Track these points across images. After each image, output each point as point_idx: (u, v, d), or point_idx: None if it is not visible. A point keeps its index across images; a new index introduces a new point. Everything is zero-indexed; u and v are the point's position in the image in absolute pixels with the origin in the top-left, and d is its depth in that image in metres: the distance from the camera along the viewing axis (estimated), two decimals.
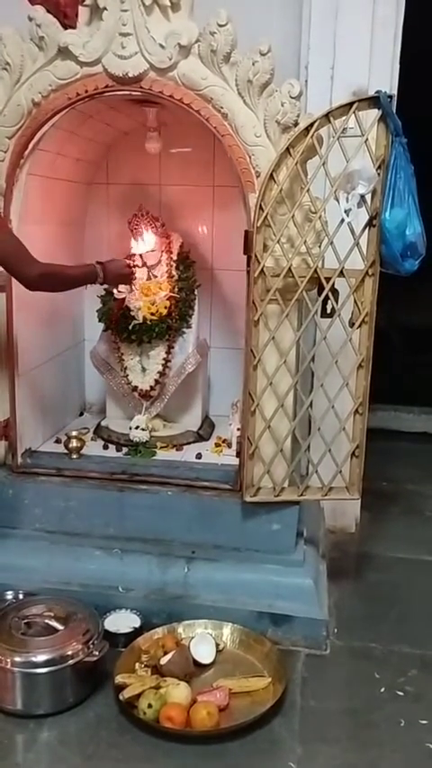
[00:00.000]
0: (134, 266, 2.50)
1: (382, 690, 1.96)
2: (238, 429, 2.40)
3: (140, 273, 2.61)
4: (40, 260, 1.99)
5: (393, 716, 1.86)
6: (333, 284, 2.07)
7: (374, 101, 1.96)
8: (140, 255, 2.57)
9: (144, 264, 2.55)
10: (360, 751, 1.75)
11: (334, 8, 2.51)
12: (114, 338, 2.66)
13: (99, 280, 2.23)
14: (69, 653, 1.82)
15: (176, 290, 2.60)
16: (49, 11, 2.06)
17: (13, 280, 2.21)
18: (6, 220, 2.18)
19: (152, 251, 2.58)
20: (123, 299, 2.55)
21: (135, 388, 2.65)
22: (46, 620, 1.92)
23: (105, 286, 2.48)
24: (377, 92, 1.96)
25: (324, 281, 2.06)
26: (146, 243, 2.58)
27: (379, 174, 1.98)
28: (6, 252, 1.95)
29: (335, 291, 2.09)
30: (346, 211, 1.99)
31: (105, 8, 2.01)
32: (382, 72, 2.53)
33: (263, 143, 2.02)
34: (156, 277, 2.57)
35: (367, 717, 1.86)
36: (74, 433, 2.52)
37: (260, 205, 1.99)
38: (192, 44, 2.00)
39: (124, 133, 2.77)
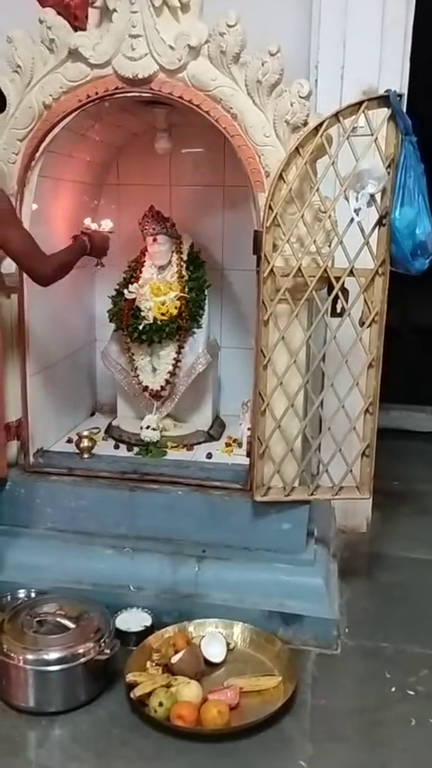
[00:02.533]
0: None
1: (393, 689, 1.96)
2: (249, 429, 2.40)
3: (149, 273, 2.62)
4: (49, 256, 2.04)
5: (404, 715, 1.86)
6: (343, 284, 2.07)
7: (384, 100, 1.95)
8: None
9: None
10: (370, 750, 1.75)
11: (344, 7, 2.51)
12: (125, 338, 2.67)
13: (87, 250, 2.29)
14: (81, 651, 1.83)
15: (186, 290, 2.61)
16: (59, 13, 2.07)
17: (25, 281, 2.24)
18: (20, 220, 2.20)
19: (111, 231, 2.53)
20: (134, 299, 2.56)
21: (146, 388, 2.66)
22: (58, 619, 1.94)
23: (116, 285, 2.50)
24: (387, 91, 1.96)
25: (334, 281, 2.06)
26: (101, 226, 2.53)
27: (389, 173, 1.98)
28: (24, 249, 1.99)
29: (345, 291, 2.09)
30: (355, 211, 1.99)
31: (115, 10, 2.02)
32: (392, 71, 2.52)
33: (272, 143, 2.02)
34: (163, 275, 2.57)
35: (378, 716, 1.86)
36: (85, 433, 2.53)
37: (270, 205, 2.00)
38: (201, 45, 2.01)
39: (134, 134, 2.78)
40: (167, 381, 2.63)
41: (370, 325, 2.11)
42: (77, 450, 2.50)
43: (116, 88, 2.11)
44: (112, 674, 1.92)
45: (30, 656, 1.81)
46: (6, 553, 2.28)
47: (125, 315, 2.61)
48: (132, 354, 2.67)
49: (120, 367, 2.72)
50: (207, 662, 1.97)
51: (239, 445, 2.61)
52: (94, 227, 2.47)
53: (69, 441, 2.64)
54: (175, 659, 1.90)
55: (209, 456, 2.53)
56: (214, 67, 2.02)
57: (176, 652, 1.94)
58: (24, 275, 2.25)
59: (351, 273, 2.06)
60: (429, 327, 5.28)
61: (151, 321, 2.57)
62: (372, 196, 1.98)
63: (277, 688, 1.89)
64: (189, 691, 1.80)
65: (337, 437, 2.18)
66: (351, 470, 2.21)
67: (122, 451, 2.58)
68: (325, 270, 2.04)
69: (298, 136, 1.98)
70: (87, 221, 2.47)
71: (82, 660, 1.82)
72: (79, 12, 2.08)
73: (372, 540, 2.87)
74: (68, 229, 2.62)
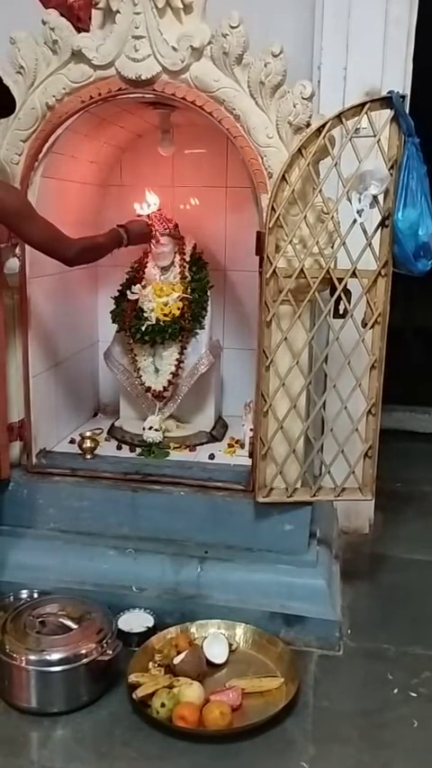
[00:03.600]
0: (153, 229, 2.56)
1: (396, 691, 1.96)
2: (251, 430, 2.40)
3: (151, 274, 2.62)
4: (45, 264, 2.09)
5: (406, 717, 1.86)
6: (345, 285, 2.07)
7: (387, 101, 1.95)
8: (150, 216, 2.60)
9: (171, 235, 2.60)
10: (373, 752, 1.74)
11: (346, 8, 2.51)
12: (128, 339, 2.67)
13: (124, 242, 2.37)
14: (83, 652, 1.83)
15: (189, 291, 2.61)
16: (62, 14, 2.07)
17: (28, 281, 2.25)
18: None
19: (159, 210, 2.61)
20: (136, 300, 2.57)
21: (148, 389, 2.66)
22: (60, 619, 1.94)
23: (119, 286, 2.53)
24: (389, 92, 1.96)
25: (336, 282, 2.06)
26: (150, 204, 2.62)
27: (391, 174, 1.97)
28: (46, 238, 2.02)
29: (347, 292, 2.08)
30: (358, 212, 1.99)
31: (118, 11, 2.02)
32: (395, 72, 2.52)
33: (275, 144, 2.02)
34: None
35: (380, 718, 1.86)
36: (88, 434, 2.53)
37: (272, 206, 2.00)
38: (204, 46, 2.01)
39: (137, 135, 2.78)
40: (170, 382, 2.63)
41: (373, 326, 2.10)
42: (80, 451, 2.50)
43: (119, 89, 2.11)
44: (115, 675, 1.92)
45: (32, 657, 1.81)
46: (9, 553, 2.29)
47: (128, 316, 2.62)
48: (135, 355, 2.67)
49: (122, 368, 2.72)
50: (209, 663, 1.97)
51: (242, 446, 2.61)
52: (143, 208, 2.57)
53: (72, 441, 2.64)
54: (177, 660, 1.90)
55: (211, 457, 2.53)
56: (217, 69, 2.02)
57: (179, 653, 1.94)
58: (27, 275, 2.26)
59: (354, 275, 2.06)
60: None
61: (154, 322, 2.57)
62: (374, 197, 1.98)
63: (279, 689, 1.89)
64: (191, 691, 1.80)
65: (339, 438, 2.18)
66: (353, 472, 2.20)
67: (125, 452, 2.58)
68: (327, 271, 2.04)
69: (301, 137, 1.98)
70: (137, 206, 2.56)
71: (84, 661, 1.82)
72: (82, 13, 2.08)
73: (374, 542, 2.87)
74: (71, 230, 2.62)
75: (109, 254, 2.38)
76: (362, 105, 1.95)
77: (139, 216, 2.58)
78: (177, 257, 2.65)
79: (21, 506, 2.37)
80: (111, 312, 2.71)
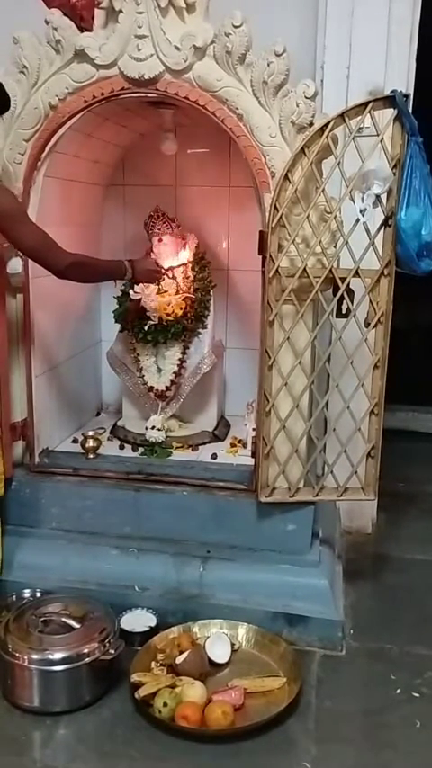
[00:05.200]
0: (162, 271, 2.54)
1: (398, 691, 1.95)
2: (254, 429, 2.40)
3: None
4: (70, 252, 2.07)
5: (409, 717, 1.85)
6: (348, 284, 2.06)
7: (390, 100, 1.95)
8: (171, 268, 2.59)
9: (173, 277, 2.58)
10: (375, 752, 1.74)
11: (349, 8, 2.50)
12: (130, 339, 2.67)
13: (128, 275, 2.34)
14: (86, 651, 1.83)
15: (192, 290, 2.61)
16: (65, 14, 2.07)
17: (31, 281, 2.25)
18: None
19: (183, 264, 2.61)
20: (139, 299, 2.56)
21: (151, 389, 2.66)
22: (63, 619, 1.94)
23: (122, 285, 2.58)
24: (393, 91, 1.95)
25: (339, 282, 2.05)
26: (179, 258, 2.61)
27: (394, 173, 1.97)
28: (37, 244, 2.01)
29: (350, 291, 2.08)
30: (361, 211, 1.98)
31: (121, 11, 2.02)
32: (398, 71, 2.52)
33: (278, 143, 2.02)
34: (174, 279, 2.59)
35: (383, 718, 1.85)
36: (90, 433, 2.54)
37: (275, 205, 2.00)
38: (207, 45, 2.01)
39: (140, 135, 2.78)
40: (172, 382, 2.63)
41: (375, 325, 2.10)
42: (83, 451, 2.50)
43: (122, 89, 2.11)
44: (117, 675, 1.92)
45: (35, 656, 1.81)
46: (12, 553, 2.28)
47: (131, 315, 2.62)
48: (137, 355, 2.67)
49: (125, 367, 2.73)
50: (212, 662, 1.97)
51: (244, 446, 2.61)
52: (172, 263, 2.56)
53: (75, 441, 2.65)
54: (179, 660, 1.90)
55: (214, 456, 2.53)
56: (220, 68, 2.02)
57: (181, 652, 1.94)
58: (29, 275, 2.26)
59: (357, 274, 2.05)
60: None
61: (156, 322, 2.57)
62: (377, 197, 1.98)
63: (282, 689, 1.89)
64: (194, 691, 1.80)
65: (342, 438, 2.17)
66: (356, 471, 2.20)
67: (127, 452, 2.58)
68: (330, 270, 2.04)
69: (304, 136, 1.98)
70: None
71: (87, 660, 1.82)
72: (85, 13, 2.09)
73: (377, 542, 2.86)
74: (74, 230, 2.63)
75: (108, 281, 2.38)
76: (365, 104, 1.95)
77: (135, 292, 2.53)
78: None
79: (23, 506, 2.37)
80: (113, 312, 2.71)
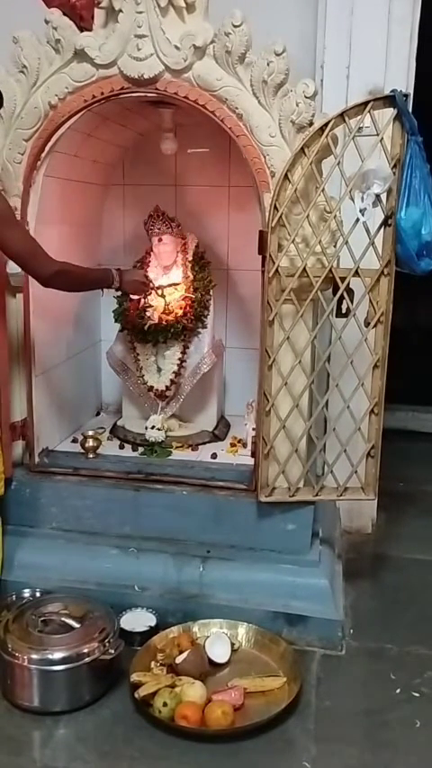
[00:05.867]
0: (150, 286, 2.51)
1: (398, 691, 1.95)
2: (254, 429, 2.40)
3: (154, 273, 2.62)
4: (57, 260, 2.02)
5: (409, 717, 1.85)
6: (348, 284, 2.06)
7: (390, 100, 1.95)
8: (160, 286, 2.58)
9: (162, 295, 2.57)
10: (375, 752, 1.74)
11: (349, 7, 2.51)
12: (130, 339, 2.67)
13: (115, 285, 2.29)
14: (86, 651, 1.83)
15: (192, 290, 2.61)
16: (65, 14, 2.07)
17: (31, 281, 2.24)
18: (23, 222, 2.21)
19: (175, 284, 2.59)
20: (139, 299, 2.56)
21: (151, 388, 2.66)
22: (62, 618, 1.94)
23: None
24: (392, 91, 1.95)
25: (339, 281, 2.05)
26: (170, 276, 2.60)
27: (394, 173, 1.97)
28: (23, 250, 1.98)
29: (350, 291, 2.08)
30: (361, 211, 1.98)
31: (121, 10, 2.02)
32: (397, 71, 2.52)
33: (278, 143, 2.02)
34: (163, 297, 2.59)
35: (382, 717, 1.85)
36: (90, 433, 2.54)
37: (275, 205, 1.99)
38: (207, 45, 2.01)
39: (140, 135, 2.78)
40: (172, 381, 2.63)
41: (375, 325, 2.10)
42: (82, 450, 2.50)
43: (122, 88, 2.11)
44: (117, 674, 1.92)
45: (34, 656, 1.81)
46: (12, 553, 2.28)
47: (130, 315, 2.61)
48: (137, 354, 2.67)
49: (125, 367, 2.73)
50: (211, 662, 1.97)
51: (244, 445, 2.61)
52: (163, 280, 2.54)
53: (74, 440, 2.65)
54: (179, 659, 1.90)
55: (214, 456, 2.53)
56: (220, 67, 2.02)
57: (181, 652, 1.94)
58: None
59: (356, 274, 2.05)
60: None
61: (156, 321, 2.57)
62: (377, 196, 1.98)
63: (282, 689, 1.89)
64: (193, 691, 1.80)
65: (342, 438, 2.17)
66: (356, 471, 2.20)
67: (127, 451, 2.58)
68: (330, 270, 2.04)
69: (303, 136, 1.98)
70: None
71: (86, 660, 1.82)
72: (85, 12, 2.09)
73: (377, 542, 2.86)
74: (74, 229, 2.63)
75: (95, 289, 2.31)
76: (365, 104, 1.95)
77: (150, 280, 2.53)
78: (180, 256, 2.65)
79: (23, 505, 2.37)
80: (113, 311, 2.71)
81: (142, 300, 2.55)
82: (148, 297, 2.56)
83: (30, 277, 2.23)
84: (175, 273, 2.62)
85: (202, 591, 2.20)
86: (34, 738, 1.77)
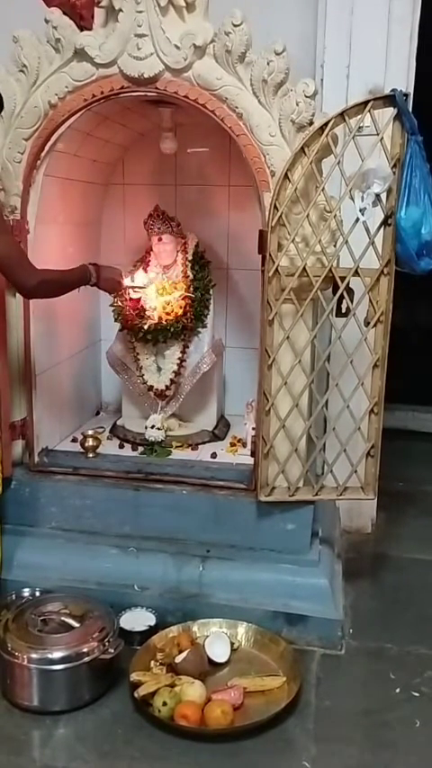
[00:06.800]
0: (123, 286, 2.48)
1: (398, 690, 1.95)
2: (253, 428, 2.40)
3: (154, 272, 2.62)
4: (47, 263, 2.01)
5: (409, 717, 1.85)
6: (348, 283, 2.06)
7: (390, 99, 1.95)
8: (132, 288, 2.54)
9: (129, 298, 2.55)
10: (374, 751, 1.74)
11: (349, 6, 2.51)
12: (130, 338, 2.67)
13: (92, 280, 2.24)
14: (85, 650, 1.83)
15: (191, 289, 2.61)
16: (65, 13, 2.07)
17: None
18: (23, 222, 2.21)
19: (142, 287, 2.55)
20: (139, 299, 2.57)
21: (150, 388, 2.66)
22: (62, 618, 1.94)
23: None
24: (392, 90, 1.95)
25: (339, 281, 2.05)
26: (136, 279, 2.55)
27: (394, 172, 1.97)
28: (9, 258, 1.94)
29: (350, 291, 2.08)
30: (361, 210, 1.98)
31: (121, 10, 2.02)
32: (397, 70, 2.52)
33: (278, 142, 2.02)
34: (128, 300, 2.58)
35: (382, 717, 1.85)
36: (90, 433, 2.54)
37: (275, 204, 1.99)
38: (207, 44, 2.01)
39: (140, 134, 2.78)
40: (172, 381, 2.63)
41: (375, 325, 2.10)
42: (82, 450, 2.50)
43: (122, 88, 2.11)
44: (117, 674, 1.92)
45: (34, 655, 1.81)
46: (11, 552, 2.28)
47: (130, 315, 2.61)
48: (137, 354, 2.67)
49: (125, 366, 2.73)
50: (211, 662, 1.97)
51: (244, 445, 2.61)
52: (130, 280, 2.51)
53: (74, 440, 2.65)
54: (179, 659, 1.90)
55: (213, 456, 2.53)
56: (220, 67, 2.02)
57: (180, 652, 1.94)
58: None
59: (356, 273, 2.05)
60: None
61: (156, 321, 2.57)
62: (377, 196, 1.98)
63: (281, 688, 1.89)
64: (193, 690, 1.80)
65: (341, 437, 2.17)
66: (356, 471, 2.20)
67: (127, 451, 2.58)
68: (330, 270, 2.04)
69: (303, 135, 1.98)
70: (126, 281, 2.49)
71: (86, 659, 1.82)
72: (85, 11, 2.08)
73: (376, 541, 2.86)
74: (74, 228, 2.63)
75: (74, 290, 2.23)
76: (365, 103, 1.95)
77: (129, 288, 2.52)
78: (180, 256, 2.65)
79: (23, 505, 2.37)
80: (113, 311, 2.71)
81: (142, 299, 2.55)
82: (148, 297, 2.56)
83: None
84: (140, 276, 2.57)
85: (202, 590, 2.20)
86: (34, 738, 1.77)
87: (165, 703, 1.76)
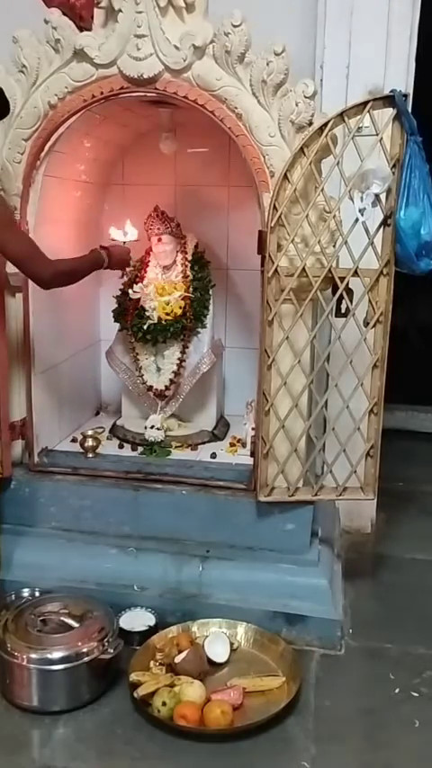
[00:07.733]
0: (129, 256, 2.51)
1: (397, 690, 1.95)
2: (253, 429, 2.40)
3: (153, 273, 2.63)
4: (52, 260, 2.02)
5: (408, 717, 1.85)
6: (347, 284, 2.06)
7: (389, 99, 1.95)
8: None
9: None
10: (374, 751, 1.74)
11: (349, 7, 2.51)
12: (129, 338, 2.67)
13: (105, 263, 2.28)
14: (85, 650, 1.83)
15: (191, 289, 2.61)
16: (64, 13, 2.07)
17: (30, 281, 2.24)
18: (22, 222, 2.21)
19: (136, 240, 2.57)
20: (138, 299, 2.57)
21: (150, 388, 2.66)
22: (62, 618, 1.94)
23: (120, 285, 2.56)
24: (392, 91, 1.95)
25: (338, 281, 2.05)
26: (127, 234, 2.57)
27: (394, 173, 1.97)
28: (22, 253, 1.97)
29: (349, 291, 2.08)
30: (360, 211, 1.98)
31: (120, 10, 2.02)
32: (397, 70, 2.52)
33: (277, 143, 2.02)
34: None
35: (382, 717, 1.85)
36: (90, 433, 2.54)
37: (274, 205, 1.99)
38: (206, 45, 2.01)
39: (140, 134, 2.78)
40: (172, 381, 2.63)
41: (375, 325, 2.10)
42: (82, 450, 2.50)
43: (121, 88, 2.11)
44: (116, 674, 1.92)
45: (33, 655, 1.81)
46: (11, 552, 2.29)
47: (130, 315, 2.62)
48: (137, 354, 2.67)
49: (124, 366, 2.73)
50: (211, 662, 1.97)
51: (243, 445, 2.61)
52: (118, 234, 2.50)
53: (74, 440, 2.65)
54: (178, 659, 1.90)
55: (213, 456, 2.53)
56: (219, 67, 2.02)
57: (180, 652, 1.94)
58: None
59: (356, 274, 2.05)
60: None
61: (156, 321, 2.57)
62: (377, 196, 1.98)
63: (281, 688, 1.89)
64: (192, 690, 1.80)
65: (341, 437, 2.17)
66: (355, 471, 2.20)
67: (127, 451, 2.58)
68: (329, 270, 2.04)
69: (303, 136, 1.98)
70: (113, 231, 2.49)
71: (86, 659, 1.82)
72: (85, 12, 2.09)
73: (376, 541, 2.86)
74: (73, 229, 2.63)
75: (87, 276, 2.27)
76: (364, 104, 1.95)
77: (113, 240, 2.52)
78: (179, 256, 2.65)
79: (22, 505, 2.37)
80: (113, 311, 2.71)
81: (141, 299, 2.55)
82: (147, 298, 2.56)
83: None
84: (130, 230, 2.57)
85: (202, 590, 2.20)
86: (33, 738, 1.77)
87: (164, 703, 1.76)
